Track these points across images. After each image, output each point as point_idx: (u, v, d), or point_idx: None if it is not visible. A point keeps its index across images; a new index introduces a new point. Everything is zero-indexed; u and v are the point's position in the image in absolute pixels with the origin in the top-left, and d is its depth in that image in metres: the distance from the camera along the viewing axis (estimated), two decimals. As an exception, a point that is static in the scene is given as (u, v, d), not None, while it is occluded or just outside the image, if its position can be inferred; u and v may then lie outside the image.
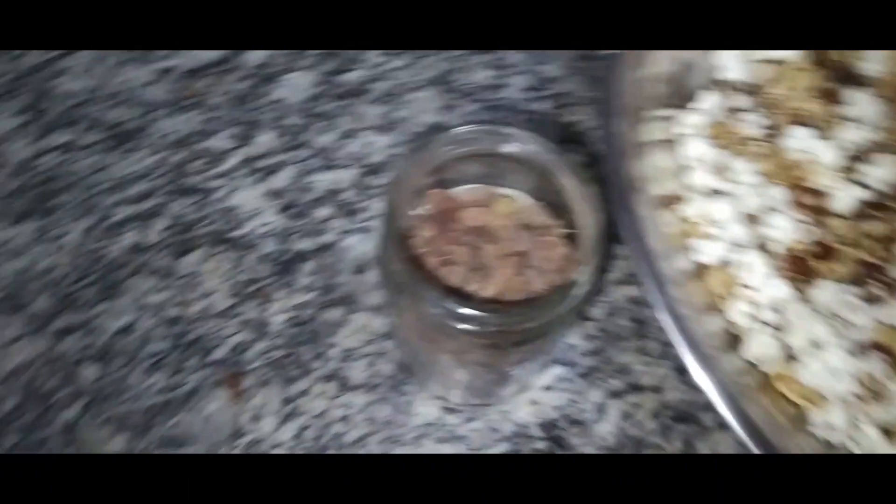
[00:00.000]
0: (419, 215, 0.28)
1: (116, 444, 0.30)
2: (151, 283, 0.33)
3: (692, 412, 0.32)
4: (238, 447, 0.31)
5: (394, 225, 0.25)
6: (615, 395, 0.32)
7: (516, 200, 0.28)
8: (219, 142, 0.36)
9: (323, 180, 0.35)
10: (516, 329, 0.24)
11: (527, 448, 0.31)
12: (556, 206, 0.28)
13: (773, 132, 0.33)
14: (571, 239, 0.27)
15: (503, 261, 0.27)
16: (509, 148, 0.26)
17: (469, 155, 0.27)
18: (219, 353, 0.32)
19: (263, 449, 0.30)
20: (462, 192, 0.29)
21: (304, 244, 0.34)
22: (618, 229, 0.29)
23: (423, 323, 0.26)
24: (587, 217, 0.26)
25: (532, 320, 0.24)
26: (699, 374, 0.28)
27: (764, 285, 0.31)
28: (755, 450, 0.27)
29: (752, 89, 0.34)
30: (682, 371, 0.33)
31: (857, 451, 0.29)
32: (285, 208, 0.35)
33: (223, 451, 0.30)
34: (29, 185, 0.35)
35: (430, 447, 0.31)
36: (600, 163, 0.30)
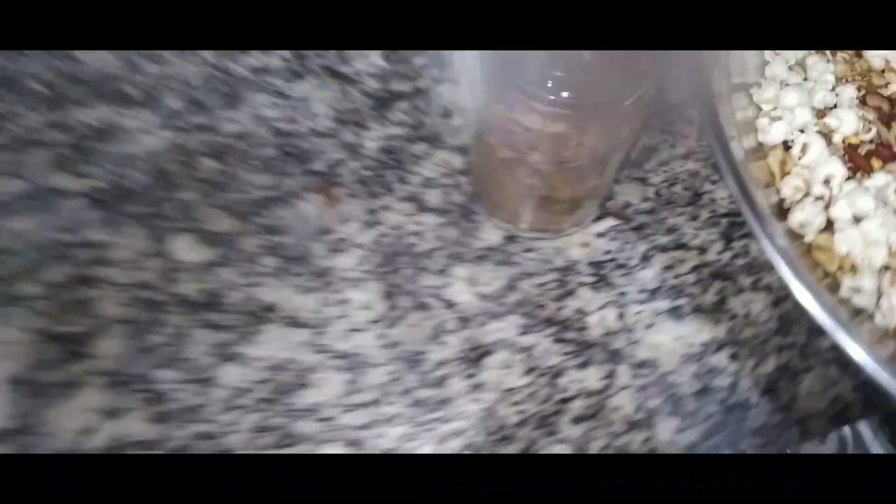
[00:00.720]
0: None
1: (226, 224, 0.35)
2: (267, 99, 0.37)
3: (730, 273, 0.35)
4: (326, 242, 0.35)
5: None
6: (661, 249, 0.35)
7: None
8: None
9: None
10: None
11: (574, 280, 0.34)
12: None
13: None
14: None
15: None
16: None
17: None
18: (317, 165, 0.36)
19: (347, 246, 0.35)
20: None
21: (402, 86, 0.38)
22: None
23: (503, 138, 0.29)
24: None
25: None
26: (759, 233, 0.31)
27: (819, 164, 0.33)
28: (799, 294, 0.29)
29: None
30: (728, 238, 0.35)
31: (880, 316, 0.31)
32: (388, 53, 0.38)
33: (313, 244, 0.35)
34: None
35: (488, 268, 0.34)
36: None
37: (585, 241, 0.35)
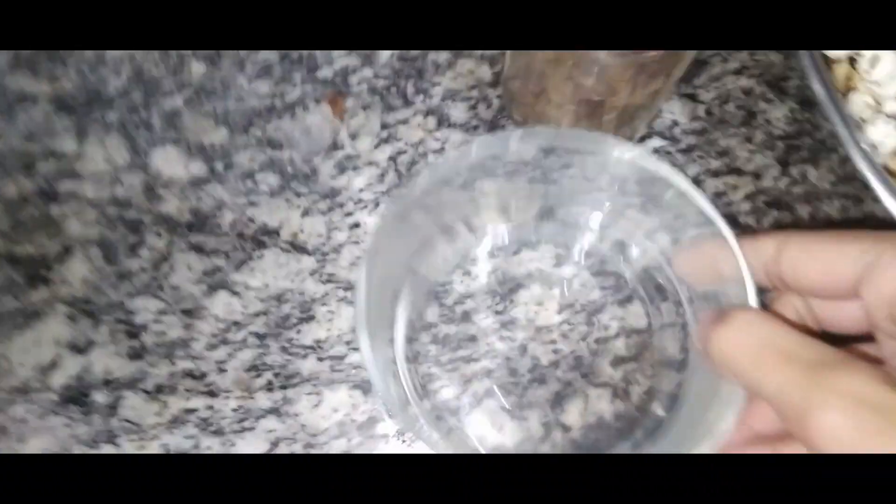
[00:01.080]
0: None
1: (218, 136, 0.30)
2: (265, -2, 0.32)
3: (788, 201, 0.30)
4: (335, 159, 0.30)
5: None
6: (712, 173, 0.31)
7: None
8: None
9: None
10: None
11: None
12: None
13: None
14: None
15: None
16: None
17: None
18: (325, 72, 0.31)
19: (359, 164, 0.30)
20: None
21: (419, -11, 0.33)
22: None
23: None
24: None
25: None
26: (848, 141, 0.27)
27: (891, 78, 0.29)
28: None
29: None
30: (785, 163, 0.31)
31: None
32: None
33: (319, 161, 0.30)
34: None
35: (520, 184, 0.30)
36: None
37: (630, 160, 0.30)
